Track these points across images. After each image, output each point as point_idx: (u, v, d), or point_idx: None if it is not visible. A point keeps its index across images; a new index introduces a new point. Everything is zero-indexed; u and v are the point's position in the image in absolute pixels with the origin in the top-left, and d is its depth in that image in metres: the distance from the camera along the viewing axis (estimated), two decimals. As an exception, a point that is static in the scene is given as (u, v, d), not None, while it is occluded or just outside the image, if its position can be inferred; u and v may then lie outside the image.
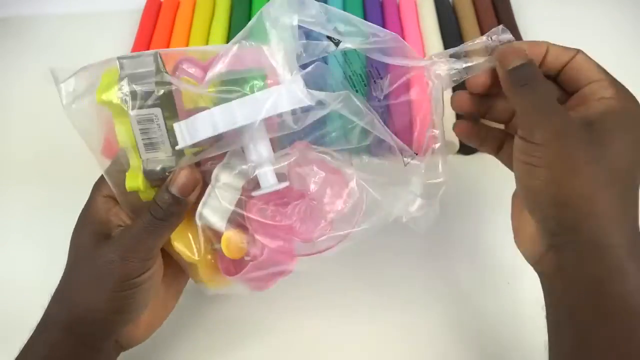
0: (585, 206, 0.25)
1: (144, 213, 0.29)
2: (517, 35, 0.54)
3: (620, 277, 0.25)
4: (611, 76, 0.30)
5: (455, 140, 0.46)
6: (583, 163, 0.25)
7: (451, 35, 0.54)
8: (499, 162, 0.47)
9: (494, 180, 0.44)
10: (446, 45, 0.53)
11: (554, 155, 0.26)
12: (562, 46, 0.30)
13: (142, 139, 0.28)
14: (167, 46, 0.55)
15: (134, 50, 0.55)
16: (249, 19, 0.57)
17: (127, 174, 0.29)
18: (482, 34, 0.53)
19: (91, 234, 0.30)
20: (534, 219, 0.28)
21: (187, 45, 0.55)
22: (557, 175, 0.26)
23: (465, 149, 0.47)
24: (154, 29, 0.57)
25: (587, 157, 0.26)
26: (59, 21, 0.62)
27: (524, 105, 0.28)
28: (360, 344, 0.39)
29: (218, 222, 0.30)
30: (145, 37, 0.56)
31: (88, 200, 0.32)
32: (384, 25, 0.56)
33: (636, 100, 0.29)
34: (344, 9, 0.57)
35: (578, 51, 0.30)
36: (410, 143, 0.33)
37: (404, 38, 0.54)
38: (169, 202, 0.28)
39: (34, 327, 0.31)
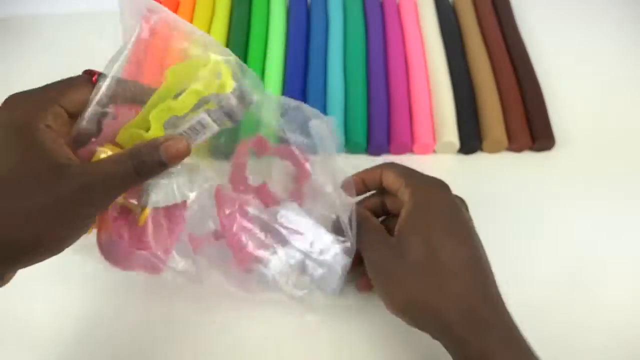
0: (413, 310, 0.32)
1: (123, 162, 0.27)
2: (518, 36, 0.54)
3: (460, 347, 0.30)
4: (407, 175, 0.35)
5: (455, 140, 0.47)
6: (400, 274, 0.32)
7: (451, 35, 0.54)
8: (499, 162, 0.47)
9: (494, 180, 0.45)
10: (446, 45, 0.53)
11: (383, 281, 0.33)
12: (371, 168, 0.38)
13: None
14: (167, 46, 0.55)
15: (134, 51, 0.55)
16: (249, 19, 0.57)
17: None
18: (482, 33, 0.54)
19: (47, 158, 0.26)
20: None
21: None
22: (390, 292, 0.33)
23: (465, 149, 0.47)
24: (154, 29, 0.57)
25: (398, 268, 0.32)
26: (59, 21, 0.62)
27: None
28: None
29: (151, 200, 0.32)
30: (145, 37, 0.56)
31: (28, 120, 0.27)
32: (384, 25, 0.56)
33: (431, 189, 0.35)
34: (344, 9, 0.57)
35: (381, 167, 0.37)
36: None
37: (403, 38, 0.54)
38: (156, 164, 0.28)
39: None
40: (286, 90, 0.50)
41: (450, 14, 0.56)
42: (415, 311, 0.32)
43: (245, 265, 0.35)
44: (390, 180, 0.36)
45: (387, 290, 0.33)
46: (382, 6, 0.58)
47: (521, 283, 0.40)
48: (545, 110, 0.48)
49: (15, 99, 0.28)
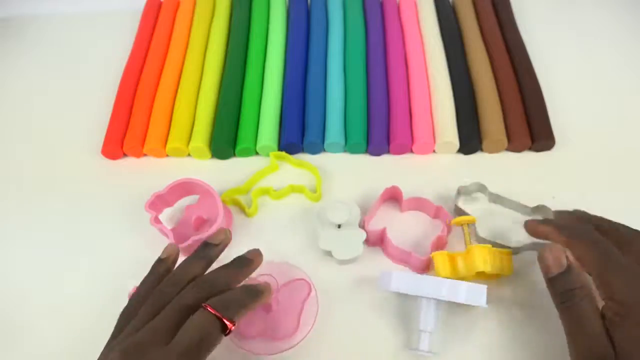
0: None
1: None
2: (518, 36, 0.54)
3: None
4: (606, 276, 0.29)
5: (454, 140, 0.47)
6: None
7: (451, 35, 0.54)
8: (499, 162, 0.47)
9: (494, 180, 0.45)
10: (446, 45, 0.53)
11: None
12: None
13: None
14: (167, 46, 0.55)
15: (133, 50, 0.55)
16: (249, 19, 0.57)
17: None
18: (482, 33, 0.54)
19: None
20: None
21: (187, 45, 0.55)
22: None
23: (465, 149, 0.47)
24: (154, 29, 0.57)
25: None
26: (59, 21, 0.62)
27: (568, 326, 0.29)
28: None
29: None
30: (145, 37, 0.56)
31: None
32: (384, 25, 0.56)
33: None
34: (344, 9, 0.57)
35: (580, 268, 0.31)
36: None
37: (403, 38, 0.54)
38: None
39: None
40: (286, 91, 0.50)
41: (450, 14, 0.56)
42: None
43: None
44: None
45: None
46: (382, 6, 0.58)
47: (521, 282, 0.40)
48: (545, 110, 0.48)
49: None
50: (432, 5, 0.57)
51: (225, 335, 0.29)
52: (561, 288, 0.30)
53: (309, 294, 0.38)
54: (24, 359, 0.38)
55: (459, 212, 0.42)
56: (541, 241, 0.39)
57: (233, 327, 0.29)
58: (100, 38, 0.60)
